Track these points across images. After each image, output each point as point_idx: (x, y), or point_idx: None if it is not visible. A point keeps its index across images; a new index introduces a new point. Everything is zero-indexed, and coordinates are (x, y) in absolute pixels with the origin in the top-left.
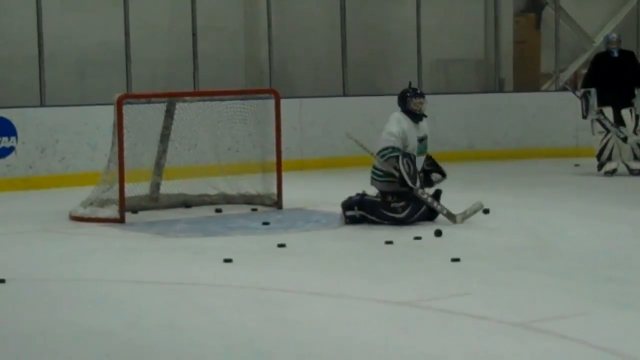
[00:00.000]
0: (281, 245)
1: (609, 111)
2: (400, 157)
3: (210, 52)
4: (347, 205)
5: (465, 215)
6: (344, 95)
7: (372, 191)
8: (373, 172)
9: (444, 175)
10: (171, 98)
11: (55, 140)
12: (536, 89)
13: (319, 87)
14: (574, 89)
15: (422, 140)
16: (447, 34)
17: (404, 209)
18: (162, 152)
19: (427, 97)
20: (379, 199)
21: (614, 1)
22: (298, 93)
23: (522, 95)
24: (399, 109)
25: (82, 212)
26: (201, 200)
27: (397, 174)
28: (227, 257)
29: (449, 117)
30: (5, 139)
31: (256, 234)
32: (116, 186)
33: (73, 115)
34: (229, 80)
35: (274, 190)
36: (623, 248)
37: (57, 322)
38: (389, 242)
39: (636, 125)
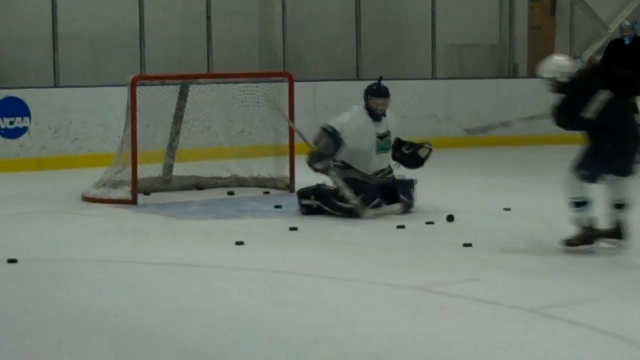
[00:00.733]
0: (293, 229)
1: None
2: (326, 136)
3: (224, 35)
4: (304, 193)
5: (379, 213)
6: (358, 79)
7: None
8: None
9: (429, 149)
10: (185, 80)
11: (69, 121)
12: None
13: (333, 71)
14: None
15: (383, 137)
16: (462, 18)
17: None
18: (175, 134)
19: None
20: (332, 189)
21: None
22: (312, 76)
23: (536, 81)
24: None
25: (94, 193)
26: (213, 183)
27: (314, 146)
28: (239, 239)
29: (463, 102)
30: (18, 119)
31: (268, 217)
32: (129, 168)
33: (86, 96)
34: (243, 63)
35: (287, 173)
36: (636, 234)
37: (68, 302)
38: (401, 227)
39: None
